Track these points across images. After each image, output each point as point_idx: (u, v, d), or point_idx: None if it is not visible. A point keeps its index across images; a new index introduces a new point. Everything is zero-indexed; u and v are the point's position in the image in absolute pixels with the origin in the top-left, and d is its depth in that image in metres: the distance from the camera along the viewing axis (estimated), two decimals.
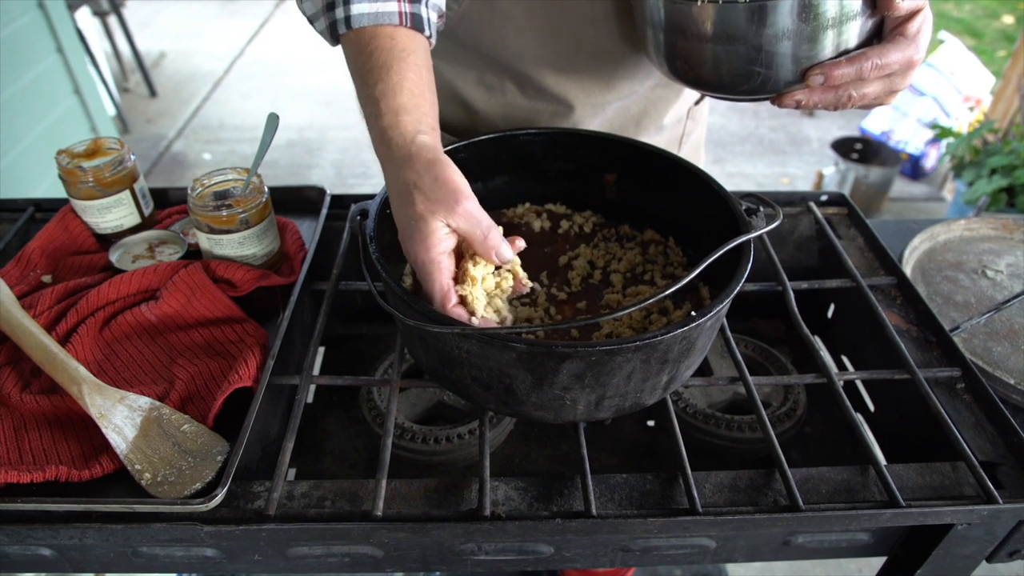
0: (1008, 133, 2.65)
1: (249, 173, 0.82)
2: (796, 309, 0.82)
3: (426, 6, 0.67)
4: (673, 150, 1.06)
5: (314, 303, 0.88)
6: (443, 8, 0.71)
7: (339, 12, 0.65)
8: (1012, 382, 0.76)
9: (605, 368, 0.60)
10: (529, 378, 0.61)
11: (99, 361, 0.74)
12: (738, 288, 0.63)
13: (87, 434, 0.67)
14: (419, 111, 0.63)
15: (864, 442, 0.70)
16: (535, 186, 0.90)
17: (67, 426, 0.67)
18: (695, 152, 1.13)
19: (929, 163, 3.20)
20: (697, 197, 0.78)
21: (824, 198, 1.02)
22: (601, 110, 0.94)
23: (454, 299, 0.61)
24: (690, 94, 1.02)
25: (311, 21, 0.70)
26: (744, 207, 0.74)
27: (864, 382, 0.88)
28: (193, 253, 0.86)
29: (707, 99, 1.09)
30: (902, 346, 0.76)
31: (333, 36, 0.67)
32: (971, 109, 3.12)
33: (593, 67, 0.89)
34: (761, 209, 0.73)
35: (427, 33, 0.67)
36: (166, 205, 0.98)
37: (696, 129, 1.10)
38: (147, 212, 0.91)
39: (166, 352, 0.75)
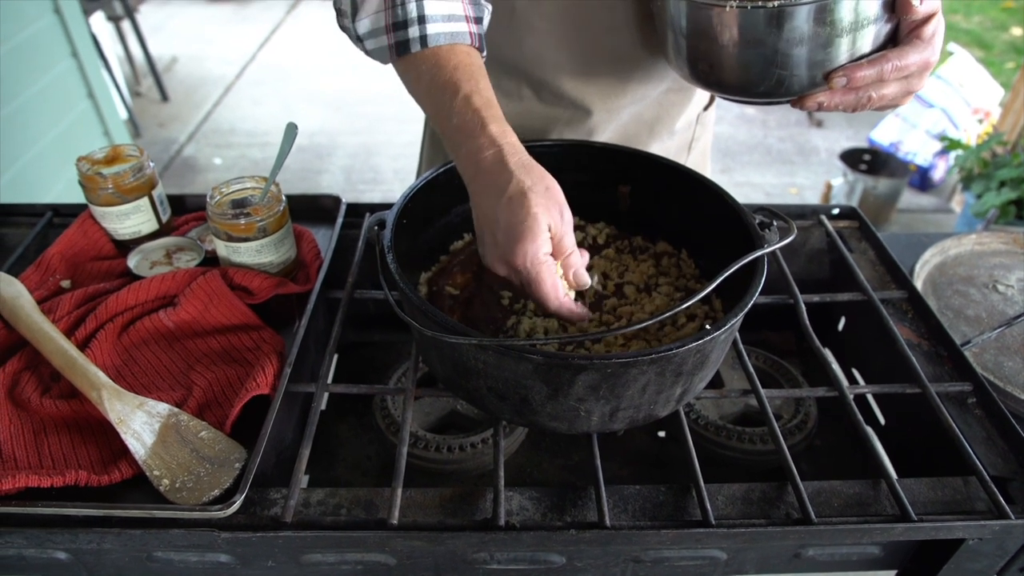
0: (1017, 145, 2.65)
1: (267, 181, 0.83)
2: (807, 322, 0.82)
3: (483, 28, 0.71)
4: (682, 155, 1.08)
5: (329, 311, 0.88)
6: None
7: (413, 31, 0.67)
8: (1023, 397, 0.76)
9: (620, 380, 0.60)
10: (545, 389, 0.62)
11: (117, 367, 0.75)
12: (751, 303, 0.63)
13: (106, 439, 0.67)
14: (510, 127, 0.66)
15: (875, 456, 0.70)
16: None
17: (86, 431, 0.68)
18: (702, 158, 1.14)
19: (937, 175, 3.20)
20: (710, 210, 0.78)
21: (835, 211, 1.03)
22: (616, 115, 0.95)
23: (562, 293, 0.64)
24: (700, 99, 1.03)
25: (360, 39, 0.71)
26: (757, 221, 0.74)
27: (875, 396, 0.88)
28: (210, 260, 0.87)
29: (714, 105, 1.10)
30: (913, 360, 0.77)
31: (397, 54, 0.68)
32: (980, 121, 3.12)
33: (610, 72, 0.90)
34: (774, 223, 0.74)
35: (484, 55, 0.71)
36: (183, 212, 0.99)
37: (704, 135, 1.11)
38: (165, 219, 0.92)
39: (183, 359, 0.76)
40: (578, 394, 0.62)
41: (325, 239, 0.93)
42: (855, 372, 0.94)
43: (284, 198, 0.83)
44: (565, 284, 0.66)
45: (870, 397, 0.89)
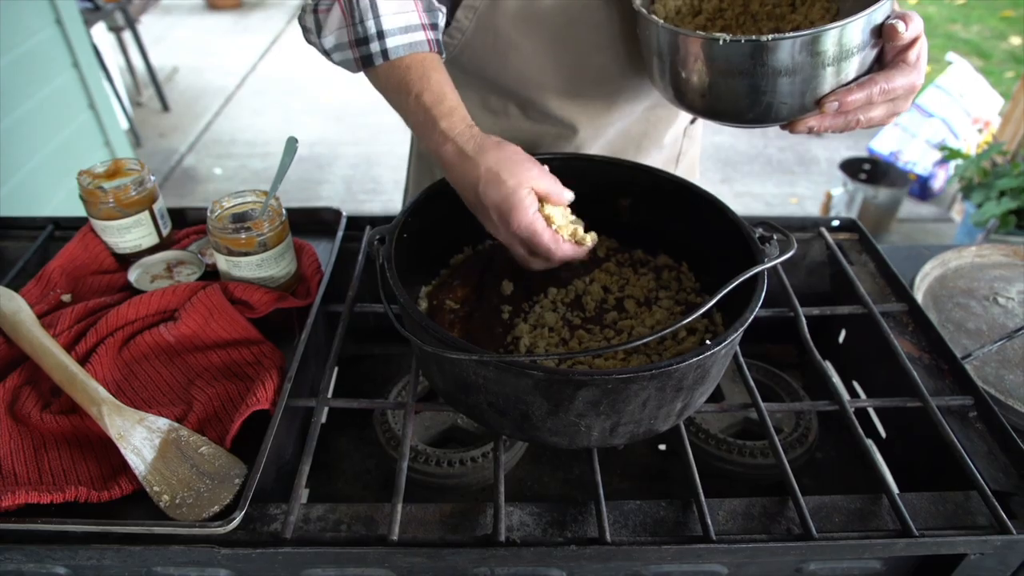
0: (1017, 155, 2.65)
1: (268, 195, 0.83)
2: (808, 335, 0.82)
3: (439, 32, 0.75)
4: (671, 168, 1.08)
5: (329, 325, 0.88)
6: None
7: (375, 46, 0.72)
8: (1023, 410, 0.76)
9: (620, 396, 0.60)
10: (545, 405, 0.62)
11: (118, 381, 0.74)
12: (751, 318, 0.63)
13: (106, 455, 0.67)
14: (462, 108, 0.73)
15: (876, 470, 0.70)
16: None
17: (86, 447, 0.68)
18: (691, 170, 1.15)
19: (937, 184, 3.20)
20: (711, 223, 0.78)
21: (835, 223, 1.03)
22: (603, 132, 0.96)
23: (560, 239, 0.71)
24: (687, 113, 1.04)
25: (327, 53, 0.75)
26: (757, 235, 0.74)
27: (876, 409, 0.88)
28: (211, 274, 0.87)
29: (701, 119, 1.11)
30: (914, 374, 0.77)
31: (363, 66, 0.73)
32: (980, 131, 3.13)
33: (596, 91, 0.91)
34: (774, 237, 0.74)
35: (444, 56, 0.76)
36: (184, 225, 0.99)
37: (692, 148, 1.12)
38: (165, 232, 0.92)
39: (184, 373, 0.76)
40: (578, 410, 0.62)
41: (326, 252, 0.93)
42: (856, 385, 0.94)
43: (284, 212, 0.83)
44: (564, 231, 0.73)
45: (871, 411, 0.89)
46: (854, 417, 0.73)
